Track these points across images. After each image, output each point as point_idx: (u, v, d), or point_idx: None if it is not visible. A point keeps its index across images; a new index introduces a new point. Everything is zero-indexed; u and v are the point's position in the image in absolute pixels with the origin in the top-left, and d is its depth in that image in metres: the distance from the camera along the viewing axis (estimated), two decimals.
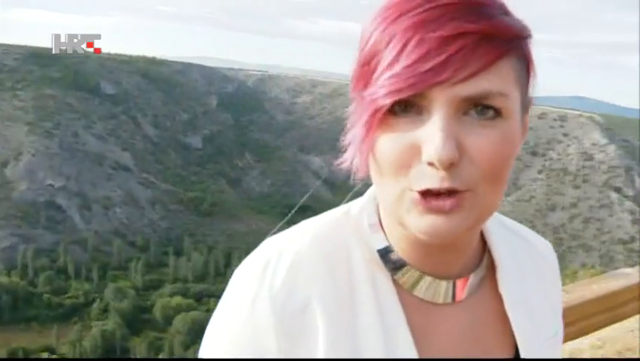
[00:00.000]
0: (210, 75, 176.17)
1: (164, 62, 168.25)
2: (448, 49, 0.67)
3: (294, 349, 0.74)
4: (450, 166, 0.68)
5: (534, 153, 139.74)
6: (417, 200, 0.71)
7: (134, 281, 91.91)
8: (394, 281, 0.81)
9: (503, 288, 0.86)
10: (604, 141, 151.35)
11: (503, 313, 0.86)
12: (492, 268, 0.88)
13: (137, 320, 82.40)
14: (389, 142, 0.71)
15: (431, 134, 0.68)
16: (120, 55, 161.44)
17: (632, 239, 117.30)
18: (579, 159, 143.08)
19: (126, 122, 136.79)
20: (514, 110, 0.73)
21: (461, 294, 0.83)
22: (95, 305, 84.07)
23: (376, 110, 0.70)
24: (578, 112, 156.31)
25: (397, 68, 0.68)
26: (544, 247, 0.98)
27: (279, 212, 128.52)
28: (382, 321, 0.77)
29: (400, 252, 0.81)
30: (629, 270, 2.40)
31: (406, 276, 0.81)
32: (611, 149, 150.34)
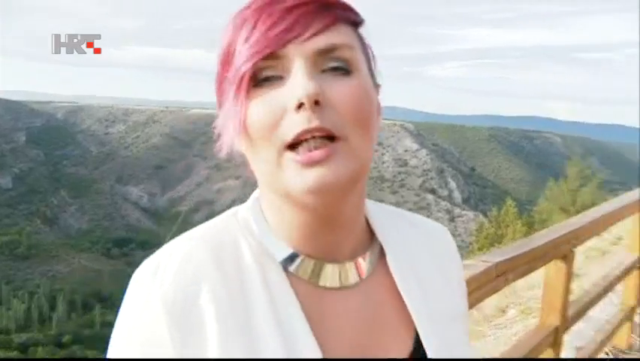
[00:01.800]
0: (16, 110, 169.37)
1: None
2: (293, 14, 0.76)
3: (186, 341, 0.78)
4: (316, 104, 0.74)
5: None
6: (293, 157, 0.75)
7: None
8: (285, 270, 0.84)
9: (394, 269, 0.90)
10: (416, 146, 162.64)
11: (398, 293, 0.90)
12: (382, 252, 0.91)
13: None
14: (257, 108, 0.76)
15: (295, 81, 0.75)
16: None
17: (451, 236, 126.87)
18: (394, 165, 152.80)
19: None
20: (362, 65, 0.81)
21: (363, 273, 0.88)
22: None
23: (241, 79, 0.76)
24: (390, 121, 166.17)
25: (252, 39, 0.76)
26: (439, 233, 1.03)
27: (102, 247, 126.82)
28: (276, 311, 0.81)
29: (288, 241, 0.85)
30: (467, 261, 2.51)
31: (296, 263, 0.84)
32: (423, 153, 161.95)
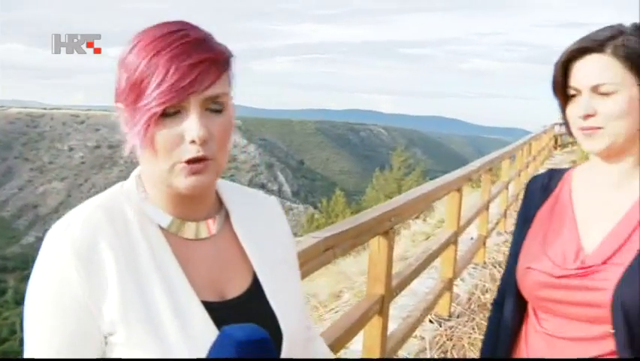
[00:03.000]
0: None
1: None
2: (195, 71, 1.07)
3: (91, 278, 1.07)
4: (204, 142, 1.09)
5: None
6: (185, 167, 1.10)
7: None
8: (160, 227, 1.17)
9: (237, 227, 1.26)
10: (244, 142, 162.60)
11: (240, 244, 1.26)
12: (228, 215, 1.28)
13: None
14: (163, 135, 1.09)
15: (191, 124, 1.08)
16: None
17: None
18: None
19: None
20: (231, 104, 1.16)
21: (211, 231, 1.22)
22: None
23: (152, 115, 1.07)
24: None
25: (163, 87, 1.06)
26: (269, 202, 1.41)
27: None
28: (155, 256, 1.13)
29: (162, 207, 1.18)
30: (298, 238, 2.71)
31: (168, 222, 1.18)
32: (252, 148, 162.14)
